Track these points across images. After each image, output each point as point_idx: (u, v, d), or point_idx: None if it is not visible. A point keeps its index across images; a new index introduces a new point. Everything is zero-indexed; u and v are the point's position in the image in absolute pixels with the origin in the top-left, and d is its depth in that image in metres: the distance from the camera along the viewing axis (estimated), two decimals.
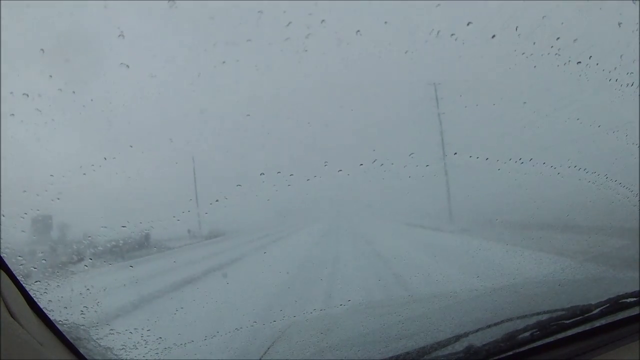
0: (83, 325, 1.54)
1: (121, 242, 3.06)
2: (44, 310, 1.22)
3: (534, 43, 3.12)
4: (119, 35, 2.26)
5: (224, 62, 2.80)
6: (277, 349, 2.07)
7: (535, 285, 2.55)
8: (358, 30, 2.88)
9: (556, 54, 3.04)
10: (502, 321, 1.45)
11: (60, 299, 1.76)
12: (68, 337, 1.25)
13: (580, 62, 3.01)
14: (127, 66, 2.32)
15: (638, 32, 2.68)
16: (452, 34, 3.13)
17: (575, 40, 3.08)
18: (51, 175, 2.23)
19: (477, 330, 1.41)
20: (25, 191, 2.17)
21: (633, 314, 1.46)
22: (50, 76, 2.05)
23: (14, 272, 1.16)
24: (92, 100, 2.38)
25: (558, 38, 3.05)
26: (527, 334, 1.36)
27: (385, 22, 2.96)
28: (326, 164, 3.37)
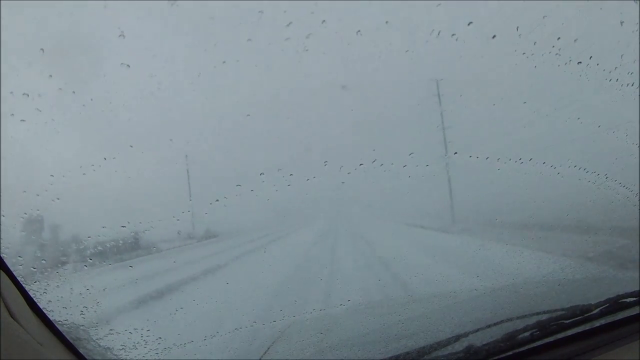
0: (83, 325, 1.54)
1: (121, 242, 3.06)
2: (43, 310, 1.22)
3: (535, 43, 3.12)
4: (119, 35, 2.26)
5: (224, 62, 2.80)
6: (277, 349, 2.07)
7: (535, 285, 2.55)
8: (358, 30, 2.88)
9: (557, 54, 3.04)
10: (502, 321, 1.45)
11: (60, 299, 1.76)
12: (68, 337, 1.25)
13: (580, 62, 3.01)
14: (128, 66, 2.32)
15: (638, 32, 2.68)
16: (452, 34, 3.13)
17: (575, 40, 3.08)
18: (51, 175, 2.23)
19: (477, 330, 1.41)
20: (25, 191, 2.17)
21: (633, 313, 1.46)
22: (50, 76, 2.05)
23: (14, 272, 1.16)
24: (92, 100, 2.38)
25: (558, 38, 3.05)
26: (527, 334, 1.36)
27: (386, 22, 2.96)
28: (326, 163, 3.37)
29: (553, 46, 3.05)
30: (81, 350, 1.28)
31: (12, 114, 1.96)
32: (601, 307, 1.44)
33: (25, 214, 2.17)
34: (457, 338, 1.36)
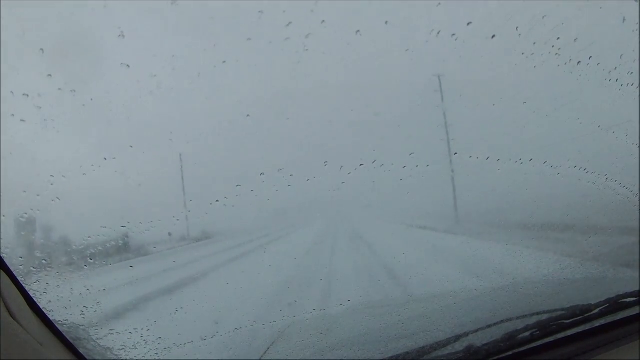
0: (83, 325, 1.54)
1: (121, 242, 3.06)
2: (44, 310, 1.22)
3: (534, 43, 3.12)
4: (119, 35, 2.26)
5: (224, 62, 2.80)
6: (277, 349, 2.07)
7: (535, 285, 2.55)
8: (358, 30, 2.88)
9: (556, 54, 3.04)
10: (502, 321, 1.45)
11: (60, 299, 1.76)
12: (68, 337, 1.25)
13: (580, 62, 3.01)
14: (128, 66, 2.32)
15: (638, 31, 2.68)
16: (452, 34, 3.13)
17: (575, 40, 3.08)
18: (51, 175, 2.23)
19: (477, 330, 1.41)
20: (25, 191, 2.17)
21: (633, 314, 1.46)
22: (50, 76, 2.05)
23: (14, 272, 1.16)
24: (92, 100, 2.38)
25: (558, 38, 3.05)
26: (527, 334, 1.36)
27: (386, 22, 2.96)
28: (326, 164, 3.37)
29: (553, 46, 3.05)
30: (81, 350, 1.28)
31: (13, 114, 1.96)
32: (601, 307, 1.44)
33: (26, 214, 2.17)
34: (457, 338, 1.36)
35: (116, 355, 1.71)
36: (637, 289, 1.51)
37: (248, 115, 3.60)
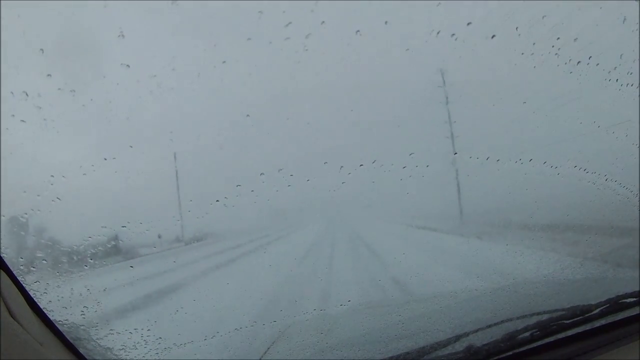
0: (83, 325, 1.54)
1: (121, 242, 3.06)
2: (44, 310, 1.22)
3: (534, 43, 3.12)
4: (119, 35, 2.26)
5: (224, 62, 2.80)
6: (277, 349, 2.07)
7: (535, 285, 2.55)
8: (358, 30, 2.88)
9: (556, 53, 3.04)
10: (502, 321, 1.45)
11: (60, 299, 1.76)
12: (68, 337, 1.25)
13: (580, 62, 3.01)
14: (127, 66, 2.32)
15: (638, 31, 2.68)
16: (452, 34, 3.13)
17: (575, 39, 3.08)
18: (51, 175, 2.23)
19: (477, 330, 1.40)
20: (25, 191, 2.17)
21: (633, 314, 1.46)
22: (50, 75, 2.05)
23: (14, 272, 1.16)
24: (92, 100, 2.38)
25: (558, 38, 3.05)
26: (527, 334, 1.36)
27: (386, 22, 2.96)
28: (326, 164, 3.38)
29: (553, 46, 3.06)
30: (81, 350, 1.28)
31: (13, 115, 1.96)
32: (601, 307, 1.44)
33: (26, 214, 2.17)
34: (457, 338, 1.36)
35: (116, 355, 1.71)
36: (637, 289, 1.51)
37: (248, 115, 3.60)
